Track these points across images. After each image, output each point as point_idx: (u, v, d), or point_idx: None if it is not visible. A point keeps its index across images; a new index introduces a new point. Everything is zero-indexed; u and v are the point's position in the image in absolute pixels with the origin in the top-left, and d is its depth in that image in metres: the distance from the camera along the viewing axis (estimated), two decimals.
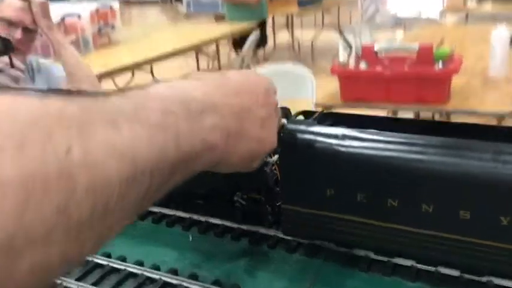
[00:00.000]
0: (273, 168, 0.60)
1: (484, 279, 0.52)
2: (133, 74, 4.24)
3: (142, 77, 4.45)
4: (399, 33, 4.93)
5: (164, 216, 0.70)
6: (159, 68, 4.13)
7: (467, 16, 4.76)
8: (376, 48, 1.99)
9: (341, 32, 1.98)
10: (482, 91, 2.05)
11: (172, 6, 7.74)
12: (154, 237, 0.66)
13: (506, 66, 2.13)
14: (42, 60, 1.80)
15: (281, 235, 0.62)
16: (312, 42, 5.70)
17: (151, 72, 4.47)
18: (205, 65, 5.16)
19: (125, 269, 0.59)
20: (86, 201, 0.27)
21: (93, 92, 0.32)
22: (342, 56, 2.05)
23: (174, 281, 0.56)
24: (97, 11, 3.31)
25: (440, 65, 1.89)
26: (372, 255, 0.57)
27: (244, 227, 0.65)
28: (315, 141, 0.55)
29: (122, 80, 4.18)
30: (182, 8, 5.77)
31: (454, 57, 1.95)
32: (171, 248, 0.64)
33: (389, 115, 2.71)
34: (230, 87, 0.45)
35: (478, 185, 0.48)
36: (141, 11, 8.33)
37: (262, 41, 4.63)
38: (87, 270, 0.59)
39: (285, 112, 0.63)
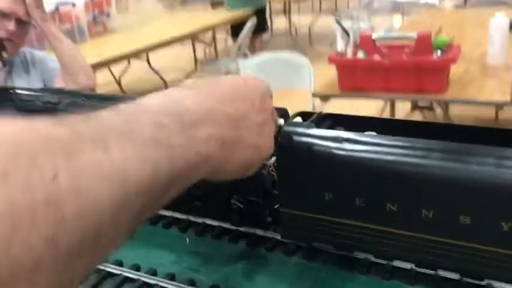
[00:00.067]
0: (271, 169, 0.59)
1: (484, 282, 0.51)
2: (129, 62, 4.22)
3: (138, 65, 4.43)
4: (397, 18, 4.89)
5: (161, 217, 0.69)
6: (155, 56, 4.11)
7: (466, 0, 4.72)
8: (374, 37, 1.97)
9: (338, 21, 1.96)
10: (481, 79, 2.04)
11: None
12: (151, 239, 0.66)
13: (505, 54, 2.12)
14: (36, 52, 1.78)
15: (279, 237, 0.62)
16: (310, 27, 5.66)
17: (148, 60, 4.44)
18: (201, 53, 5.13)
19: (120, 274, 0.58)
20: (75, 229, 0.26)
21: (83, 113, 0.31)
22: (340, 45, 2.03)
23: (171, 287, 0.55)
24: None
25: (438, 53, 1.87)
26: (372, 258, 0.57)
27: (242, 229, 0.64)
28: (313, 144, 0.54)
29: (118, 68, 4.16)
30: None
31: (453, 45, 1.93)
32: (168, 250, 0.63)
33: (388, 104, 2.70)
34: (225, 94, 0.44)
35: (479, 190, 0.47)
36: None
37: (262, 27, 4.58)
38: None
39: (283, 113, 0.62)
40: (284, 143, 0.55)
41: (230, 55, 3.95)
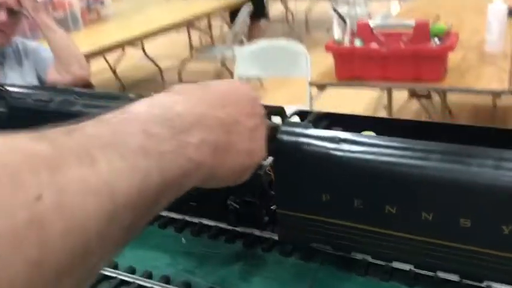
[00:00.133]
0: (268, 170, 0.58)
1: (484, 284, 0.51)
2: (123, 50, 4.18)
3: (133, 52, 4.39)
4: (395, 4, 4.85)
5: (157, 217, 0.68)
6: (151, 44, 4.07)
7: None
8: (371, 25, 1.95)
9: (335, 9, 1.93)
10: (479, 67, 2.02)
11: None
12: (147, 240, 0.65)
13: (503, 41, 2.10)
14: (28, 42, 1.75)
15: (276, 237, 0.61)
16: (306, 13, 5.61)
17: (143, 48, 4.40)
18: (197, 40, 5.08)
19: (116, 277, 0.57)
20: (62, 248, 0.25)
21: (68, 125, 0.30)
22: (337, 33, 2.01)
23: None
24: None
25: (436, 41, 1.86)
26: (370, 259, 0.56)
27: (238, 229, 0.63)
28: (311, 144, 0.53)
29: (112, 56, 4.12)
30: None
31: (450, 33, 1.92)
32: (163, 251, 0.63)
33: (385, 92, 2.69)
34: (216, 99, 0.43)
35: (479, 192, 0.46)
36: None
37: (260, 14, 4.54)
38: None
39: (280, 112, 0.61)
40: (281, 143, 0.54)
41: (226, 42, 3.91)
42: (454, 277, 0.52)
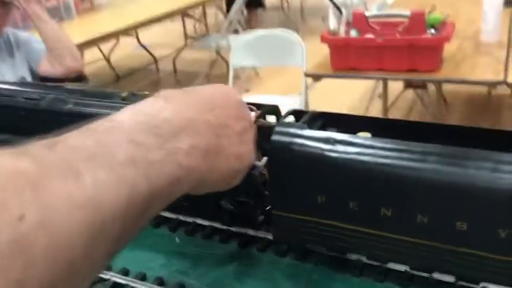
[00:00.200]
0: (262, 170, 0.58)
1: (480, 286, 0.51)
2: (118, 40, 4.14)
3: (127, 41, 4.36)
4: None
5: None
6: (145, 32, 4.03)
7: None
8: (367, 15, 1.93)
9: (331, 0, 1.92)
10: (474, 57, 2.02)
11: None
12: (141, 240, 0.64)
13: (499, 31, 2.09)
14: (20, 33, 1.73)
15: (271, 237, 0.60)
16: (301, 1, 5.57)
17: (137, 37, 4.37)
18: (191, 28, 5.04)
19: (109, 279, 0.57)
20: (46, 268, 0.25)
21: (51, 137, 0.29)
22: (332, 23, 1.99)
23: None
24: None
25: (432, 31, 1.84)
26: (365, 260, 0.56)
27: (232, 228, 0.63)
28: (305, 145, 0.52)
29: (106, 45, 4.08)
30: None
31: (446, 23, 1.90)
32: (157, 252, 0.62)
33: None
34: (203, 102, 0.42)
35: (475, 195, 0.45)
36: None
37: (257, 3, 4.51)
38: None
39: (274, 111, 0.60)
40: (276, 144, 0.53)
41: (221, 31, 3.88)
42: (449, 278, 0.52)
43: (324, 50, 2.01)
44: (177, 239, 0.64)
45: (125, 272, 0.58)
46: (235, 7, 3.81)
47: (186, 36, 4.58)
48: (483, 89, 3.00)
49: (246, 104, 0.52)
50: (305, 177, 0.53)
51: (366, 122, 0.56)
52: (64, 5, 3.05)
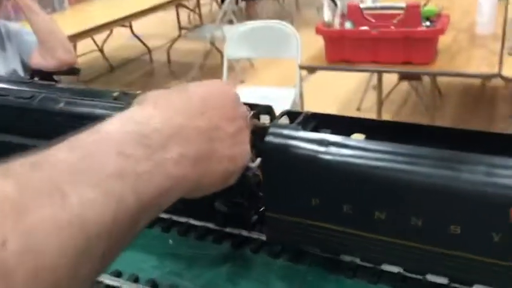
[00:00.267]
0: (256, 171, 0.57)
1: None
2: (111, 31, 4.11)
3: (121, 32, 4.32)
4: None
5: None
6: (138, 23, 4.00)
7: None
8: (362, 7, 1.92)
9: None
10: (469, 49, 2.02)
11: None
12: (134, 241, 0.64)
13: (494, 23, 2.09)
14: (11, 25, 1.70)
15: (264, 238, 0.60)
16: None
17: (131, 27, 4.33)
18: (185, 18, 5.00)
19: (102, 282, 0.56)
20: None
21: (35, 154, 0.28)
22: (327, 15, 1.98)
23: None
24: None
25: (427, 23, 1.84)
26: (358, 261, 0.56)
27: (226, 229, 0.62)
28: (299, 147, 0.52)
29: (100, 36, 4.04)
30: None
31: (441, 15, 1.90)
32: (150, 253, 0.62)
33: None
34: (194, 106, 0.41)
35: (469, 199, 0.45)
36: None
37: None
38: None
39: (268, 111, 0.59)
40: (269, 145, 0.53)
41: (215, 21, 3.85)
42: (443, 280, 0.52)
43: (319, 41, 2.00)
44: (170, 240, 0.64)
45: (118, 274, 0.57)
46: None
47: (180, 26, 4.55)
48: (478, 81, 3.00)
49: None
50: (299, 179, 0.52)
51: (360, 124, 0.55)
52: None
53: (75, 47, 3.33)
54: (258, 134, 0.54)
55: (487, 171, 0.45)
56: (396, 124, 0.55)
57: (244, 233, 0.62)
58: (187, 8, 4.65)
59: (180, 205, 0.63)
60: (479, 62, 1.91)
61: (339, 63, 1.95)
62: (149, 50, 4.51)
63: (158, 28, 4.99)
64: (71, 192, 0.28)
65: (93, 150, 0.31)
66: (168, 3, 3.55)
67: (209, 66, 3.95)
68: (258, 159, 0.56)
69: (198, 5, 4.68)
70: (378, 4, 2.00)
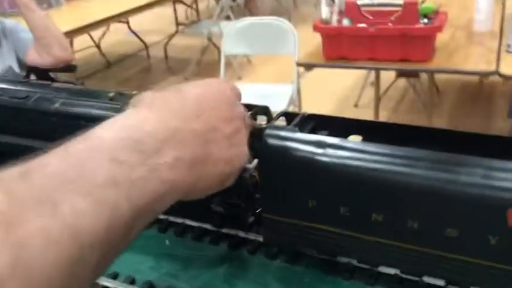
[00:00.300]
0: (253, 172, 0.57)
1: None
2: (108, 27, 4.09)
3: (118, 27, 4.30)
4: None
5: None
6: (135, 18, 3.97)
7: None
8: (359, 3, 1.92)
9: None
10: (467, 47, 2.01)
11: None
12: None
13: (491, 20, 2.08)
14: (7, 21, 1.69)
15: (261, 239, 0.60)
16: None
17: (128, 23, 4.31)
18: (183, 14, 4.98)
19: (98, 283, 0.56)
20: None
21: (25, 163, 0.28)
22: (324, 12, 1.97)
23: None
24: None
25: (425, 20, 1.83)
26: (355, 263, 0.56)
27: (223, 230, 0.62)
28: (296, 149, 0.52)
29: (97, 33, 4.02)
30: None
31: (439, 12, 1.89)
32: (147, 254, 0.61)
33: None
34: (189, 108, 0.40)
35: (466, 202, 0.45)
36: None
37: None
38: None
39: (265, 112, 0.59)
40: (266, 147, 0.52)
41: (213, 17, 3.83)
42: (439, 282, 0.52)
43: (317, 37, 2.00)
44: (167, 241, 0.63)
45: (115, 276, 0.57)
46: None
47: (177, 22, 4.53)
48: (475, 78, 3.00)
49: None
50: (296, 180, 0.52)
51: (357, 125, 0.55)
52: None
53: (71, 43, 3.32)
54: (255, 135, 0.54)
55: (484, 173, 0.45)
56: (394, 125, 0.55)
57: (241, 234, 0.61)
58: (184, 3, 4.63)
59: (177, 206, 0.63)
60: (477, 60, 1.91)
61: (337, 60, 1.94)
62: (146, 46, 4.49)
63: (155, 24, 4.97)
64: (63, 202, 0.27)
65: (85, 158, 0.30)
66: None
67: (206, 62, 3.93)
68: (255, 161, 0.56)
69: (195, 0, 4.66)
70: (376, 1, 1.99)
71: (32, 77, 0.74)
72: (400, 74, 2.84)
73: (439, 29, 1.81)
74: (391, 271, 0.54)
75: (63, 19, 2.55)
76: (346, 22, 1.91)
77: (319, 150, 0.51)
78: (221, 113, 0.43)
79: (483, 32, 2.08)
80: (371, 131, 0.53)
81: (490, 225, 0.45)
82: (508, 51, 1.86)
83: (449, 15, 1.97)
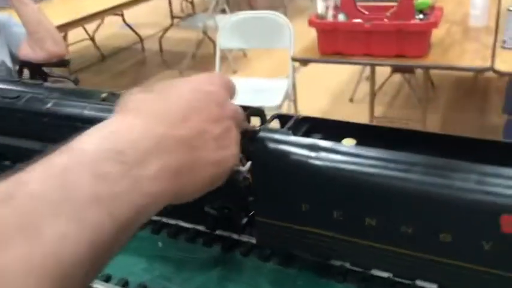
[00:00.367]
0: (245, 174, 0.57)
1: None
2: (102, 20, 4.06)
3: (112, 20, 4.26)
4: None
5: None
6: (130, 11, 3.95)
7: None
8: None
9: None
10: (462, 42, 2.01)
11: None
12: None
13: (487, 15, 2.08)
14: (0, 17, 1.67)
15: (254, 241, 0.60)
16: None
17: (122, 16, 4.28)
18: (178, 7, 4.95)
19: (91, 286, 0.56)
20: None
21: (6, 181, 0.27)
22: (320, 7, 1.96)
23: None
24: None
25: (420, 16, 1.83)
26: (348, 266, 0.56)
27: (216, 232, 0.62)
28: (290, 152, 0.51)
29: (91, 26, 3.99)
30: None
31: (435, 7, 1.89)
32: (140, 256, 0.61)
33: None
34: (176, 112, 0.39)
35: (460, 207, 0.45)
36: None
37: None
38: None
39: (259, 114, 0.59)
40: (259, 150, 0.52)
41: (208, 10, 3.81)
42: (432, 286, 0.52)
43: (312, 31, 1.99)
44: (160, 243, 0.63)
45: (107, 278, 0.57)
46: None
47: (172, 15, 4.50)
48: (470, 73, 3.00)
49: None
50: (289, 184, 0.52)
51: (351, 128, 0.54)
52: None
53: (65, 36, 3.29)
54: (248, 138, 0.53)
55: (478, 179, 0.45)
56: (388, 129, 0.55)
57: (235, 236, 0.61)
58: None
59: (170, 207, 0.63)
60: (472, 56, 1.91)
61: (332, 55, 1.94)
62: (141, 39, 4.47)
63: (150, 17, 4.94)
64: (45, 226, 0.27)
65: (67, 177, 0.30)
66: None
67: (201, 55, 3.92)
68: (248, 163, 0.55)
69: None
70: None
71: (25, 71, 0.74)
72: (396, 69, 2.84)
73: (435, 25, 1.81)
74: (384, 274, 0.54)
75: (57, 12, 2.53)
76: (341, 17, 1.90)
77: (313, 154, 0.50)
78: (210, 113, 0.41)
79: (479, 28, 2.08)
80: (365, 134, 0.53)
81: (483, 231, 0.45)
82: (503, 47, 1.86)
83: (445, 10, 1.97)
